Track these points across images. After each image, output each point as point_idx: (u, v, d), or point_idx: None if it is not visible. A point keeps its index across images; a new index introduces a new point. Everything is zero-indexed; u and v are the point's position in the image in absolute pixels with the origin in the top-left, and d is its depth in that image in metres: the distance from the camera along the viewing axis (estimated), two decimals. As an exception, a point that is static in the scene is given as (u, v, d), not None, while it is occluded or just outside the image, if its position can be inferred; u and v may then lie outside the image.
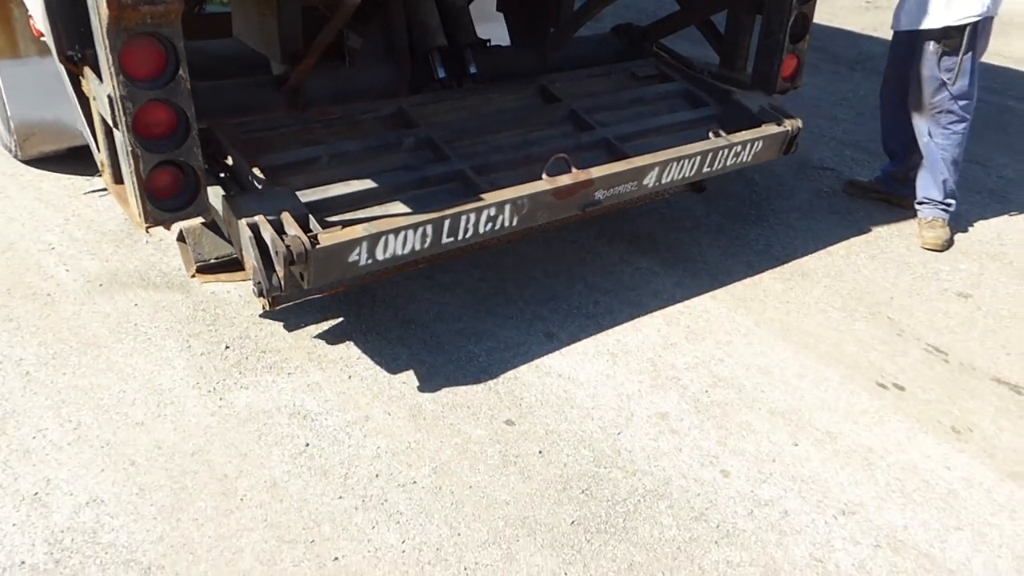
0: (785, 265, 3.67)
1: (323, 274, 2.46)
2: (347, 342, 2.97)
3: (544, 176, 2.86)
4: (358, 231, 2.47)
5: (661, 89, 3.75)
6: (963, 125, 3.74)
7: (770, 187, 4.42)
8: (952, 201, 3.87)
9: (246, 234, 2.39)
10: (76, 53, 2.50)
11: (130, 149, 2.20)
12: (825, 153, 4.94)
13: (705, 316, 3.26)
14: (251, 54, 3.64)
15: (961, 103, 3.68)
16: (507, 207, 2.77)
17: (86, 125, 2.84)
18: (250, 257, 2.42)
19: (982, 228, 4.11)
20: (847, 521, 2.35)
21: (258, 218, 2.41)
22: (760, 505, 2.39)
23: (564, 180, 2.89)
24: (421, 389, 2.76)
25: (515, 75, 3.80)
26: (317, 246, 2.38)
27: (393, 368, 2.85)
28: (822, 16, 8.18)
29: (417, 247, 2.62)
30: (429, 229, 2.61)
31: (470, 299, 3.27)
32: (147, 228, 2.34)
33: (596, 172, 2.97)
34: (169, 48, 2.17)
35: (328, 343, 2.96)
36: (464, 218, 2.67)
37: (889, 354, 3.09)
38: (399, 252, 2.58)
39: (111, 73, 2.12)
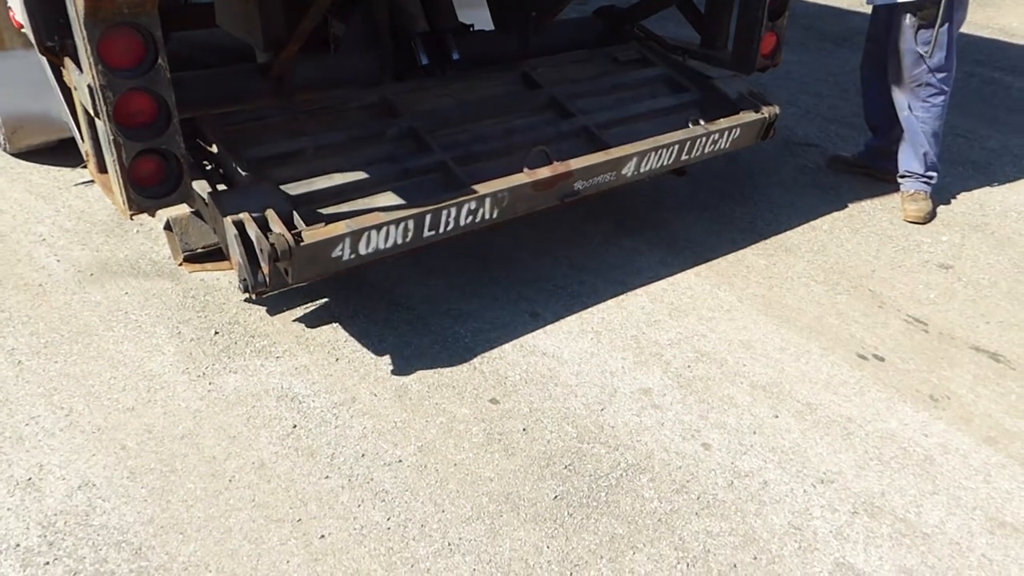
0: (768, 241, 3.71)
1: (307, 269, 2.54)
2: (335, 325, 3.01)
3: (524, 169, 2.91)
4: (341, 228, 2.53)
5: (642, 75, 3.78)
6: (942, 98, 3.77)
7: (754, 164, 4.45)
8: (934, 174, 3.90)
9: (231, 231, 2.44)
10: (56, 44, 2.52)
11: (112, 138, 2.23)
12: (810, 129, 4.97)
13: (689, 293, 3.30)
14: (237, 43, 3.66)
15: (939, 75, 3.70)
16: (487, 200, 2.82)
17: (70, 115, 2.87)
18: (235, 254, 2.47)
19: (964, 199, 4.15)
20: (825, 489, 2.40)
21: (243, 215, 2.46)
22: (740, 476, 2.44)
23: (544, 172, 2.94)
24: (407, 370, 2.80)
25: (498, 60, 3.82)
26: (301, 243, 2.44)
27: (380, 350, 2.89)
28: (810, -7, 8.18)
29: (399, 241, 2.68)
30: (411, 224, 2.67)
31: (456, 280, 3.31)
32: (131, 216, 2.38)
33: (575, 164, 3.02)
34: (147, 37, 2.19)
35: (316, 327, 3.00)
36: (445, 212, 2.74)
37: (870, 326, 3.13)
38: (381, 246, 2.64)
39: (90, 63, 2.14)
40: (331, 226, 2.53)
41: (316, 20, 2.89)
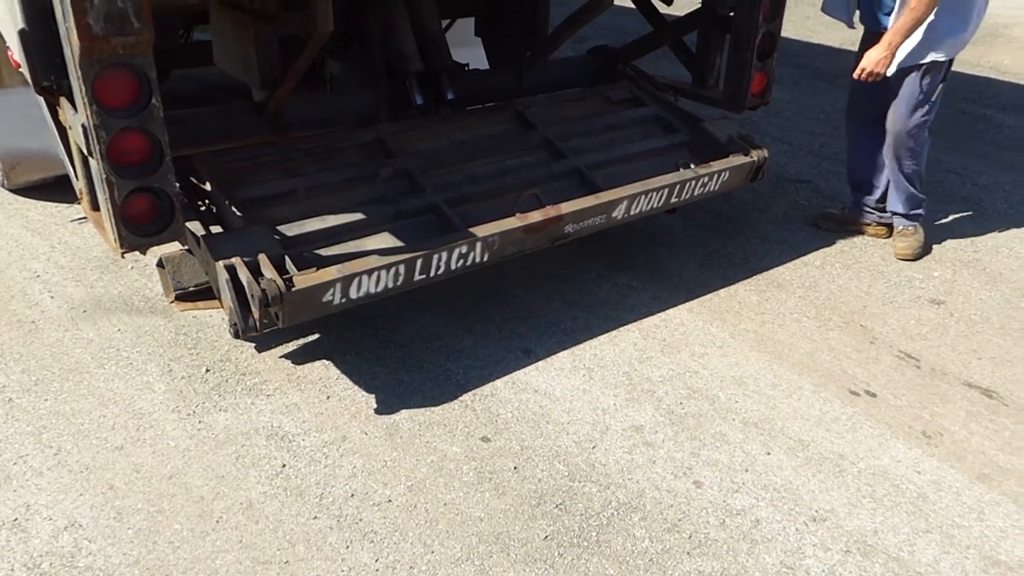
0: (760, 276, 3.72)
1: (297, 314, 2.56)
2: (326, 362, 3.00)
3: (516, 212, 2.94)
4: (332, 273, 2.55)
5: (634, 115, 3.84)
6: (927, 145, 3.81)
7: (747, 200, 4.48)
8: (920, 211, 3.92)
9: (223, 276, 2.45)
10: (52, 83, 2.56)
11: (105, 176, 2.25)
12: (802, 166, 5.01)
13: (681, 329, 3.30)
14: (236, 80, 3.70)
15: (929, 123, 3.72)
16: (478, 244, 2.86)
17: (65, 153, 2.89)
18: (227, 298, 2.48)
19: (956, 235, 4.17)
20: (818, 528, 2.38)
21: (235, 260, 2.48)
22: (732, 515, 2.42)
23: (535, 216, 2.99)
24: (398, 408, 2.79)
25: (492, 99, 3.87)
26: (292, 289, 2.46)
27: (371, 388, 2.88)
28: (803, 33, 8.31)
29: (390, 285, 2.71)
30: (401, 268, 2.70)
31: (449, 317, 3.31)
32: (123, 254, 2.39)
33: (566, 208, 3.06)
34: (142, 77, 2.21)
35: (307, 364, 2.99)
36: (436, 256, 2.77)
37: (862, 361, 3.13)
38: (372, 290, 2.67)
39: (84, 103, 2.17)
40: (322, 271, 2.55)
41: (312, 59, 2.93)
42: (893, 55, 3.49)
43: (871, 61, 3.52)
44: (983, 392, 2.99)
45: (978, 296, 3.62)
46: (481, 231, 2.86)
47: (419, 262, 2.72)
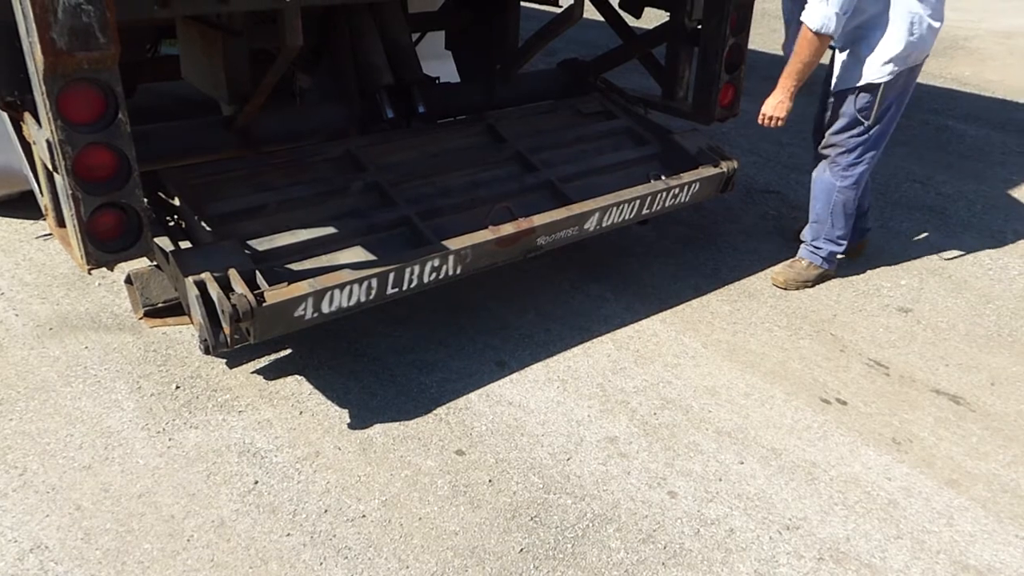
0: (732, 286, 3.75)
1: (269, 329, 2.54)
2: (299, 377, 2.98)
3: (488, 225, 2.95)
4: (304, 287, 2.53)
5: (604, 127, 3.86)
6: (862, 185, 3.64)
7: (718, 212, 4.52)
8: (824, 247, 3.71)
9: (193, 292, 2.43)
10: (16, 98, 2.52)
11: (71, 192, 2.21)
12: (771, 177, 5.07)
13: (654, 340, 3.32)
14: (204, 94, 3.68)
15: (866, 153, 3.54)
16: (451, 258, 2.86)
17: (29, 169, 2.85)
18: (197, 314, 2.46)
19: (922, 244, 4.24)
20: (791, 536, 2.40)
21: (205, 275, 2.45)
22: (706, 524, 2.43)
23: (507, 229, 2.99)
24: (372, 422, 2.77)
25: (463, 112, 3.88)
26: (264, 304, 2.43)
27: (344, 402, 2.86)
28: (770, 45, 8.42)
29: (362, 299, 2.70)
30: (374, 282, 2.69)
31: (422, 330, 3.30)
32: (89, 270, 2.35)
33: (538, 220, 3.08)
34: (108, 92, 2.19)
35: (280, 379, 2.96)
36: (408, 270, 2.77)
37: (832, 370, 3.16)
38: (344, 304, 2.66)
39: (49, 118, 2.14)
40: (293, 286, 2.53)
41: (281, 73, 2.92)
42: (790, 99, 3.40)
43: (769, 107, 3.46)
44: (951, 398, 3.03)
45: (944, 304, 3.68)
46: (453, 244, 2.86)
47: (391, 276, 2.71)
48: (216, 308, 2.42)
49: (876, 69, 3.35)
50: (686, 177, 3.55)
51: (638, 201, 3.36)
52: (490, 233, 2.95)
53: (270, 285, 2.52)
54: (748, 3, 3.62)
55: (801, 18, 3.25)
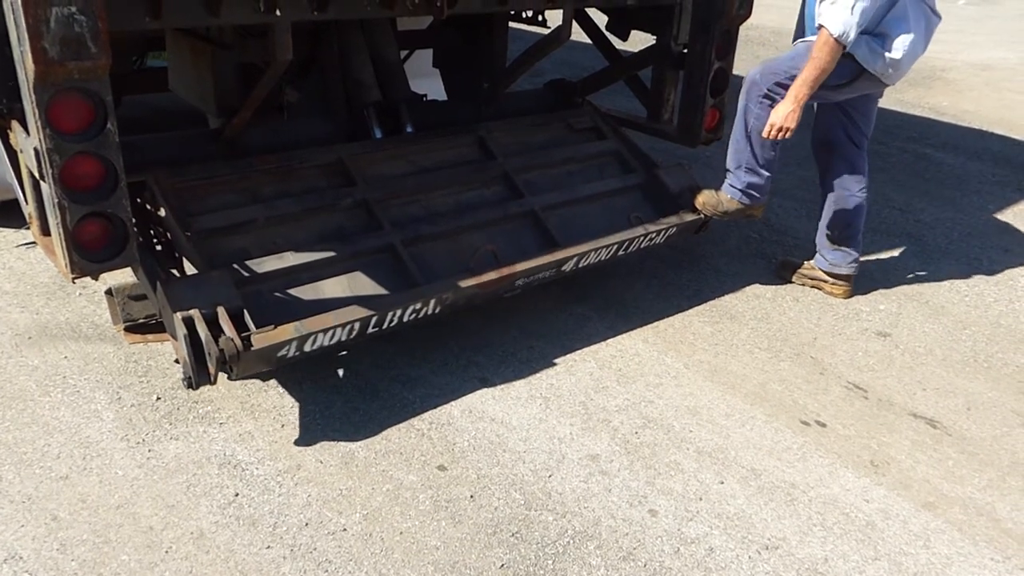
0: (714, 308, 3.78)
1: (251, 368, 2.59)
2: (281, 390, 2.97)
3: (471, 267, 3.07)
4: (289, 331, 2.58)
5: (593, 148, 3.91)
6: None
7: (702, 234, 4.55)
8: (748, 187, 3.68)
9: (180, 331, 2.43)
10: (3, 107, 2.52)
11: (57, 201, 2.21)
12: (754, 200, 5.12)
13: (636, 359, 3.34)
14: (191, 107, 3.68)
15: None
16: (432, 300, 2.93)
17: (14, 177, 2.84)
18: (183, 352, 2.46)
19: (901, 269, 4.30)
20: (770, 556, 2.41)
21: (193, 313, 2.46)
22: (687, 543, 2.44)
23: (489, 276, 3.07)
24: (354, 436, 2.77)
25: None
26: (250, 348, 2.46)
27: (327, 416, 2.86)
28: (753, 70, 8.53)
29: (344, 339, 2.77)
30: (356, 326, 2.76)
31: (406, 346, 3.30)
32: (73, 279, 2.35)
33: (520, 267, 3.16)
34: (97, 101, 2.20)
35: (262, 392, 2.95)
36: (390, 313, 2.83)
37: (812, 392, 3.20)
38: (326, 344, 2.72)
39: (38, 127, 2.14)
40: (280, 330, 2.56)
41: (270, 87, 2.93)
42: (801, 109, 3.31)
43: (780, 116, 3.33)
44: (928, 422, 3.07)
45: (922, 329, 3.73)
46: (435, 289, 2.94)
47: (373, 319, 2.78)
48: (203, 349, 2.43)
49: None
50: (664, 222, 3.65)
51: (615, 246, 3.47)
52: (473, 279, 3.03)
53: (256, 322, 2.54)
54: (733, 29, 3.68)
55: (820, 22, 3.16)
